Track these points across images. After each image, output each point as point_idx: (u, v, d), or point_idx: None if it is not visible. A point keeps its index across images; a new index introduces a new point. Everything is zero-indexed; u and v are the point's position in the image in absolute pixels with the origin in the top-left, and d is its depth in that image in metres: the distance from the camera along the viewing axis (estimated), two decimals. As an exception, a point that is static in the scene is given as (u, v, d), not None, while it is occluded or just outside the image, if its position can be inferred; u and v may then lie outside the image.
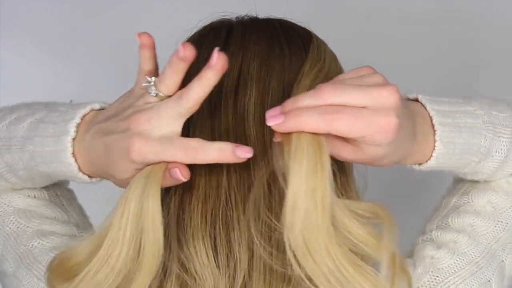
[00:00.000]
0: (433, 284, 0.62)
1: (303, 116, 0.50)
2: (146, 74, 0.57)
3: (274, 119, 0.51)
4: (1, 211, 0.70)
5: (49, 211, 0.70)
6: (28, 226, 0.68)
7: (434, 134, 0.60)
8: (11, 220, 0.69)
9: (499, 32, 1.26)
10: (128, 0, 1.27)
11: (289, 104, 0.51)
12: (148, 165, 0.54)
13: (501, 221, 0.67)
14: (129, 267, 0.52)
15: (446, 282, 0.62)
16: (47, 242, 0.66)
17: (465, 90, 1.23)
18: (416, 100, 0.63)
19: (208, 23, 0.66)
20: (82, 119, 0.60)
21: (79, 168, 0.60)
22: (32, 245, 0.66)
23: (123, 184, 0.58)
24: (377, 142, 0.52)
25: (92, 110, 0.61)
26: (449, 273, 0.63)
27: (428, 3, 1.26)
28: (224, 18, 0.67)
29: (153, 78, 0.55)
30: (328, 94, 0.50)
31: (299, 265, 0.50)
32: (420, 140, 0.59)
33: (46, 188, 0.72)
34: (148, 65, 0.57)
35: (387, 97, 0.51)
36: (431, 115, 0.61)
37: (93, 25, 1.25)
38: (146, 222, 0.52)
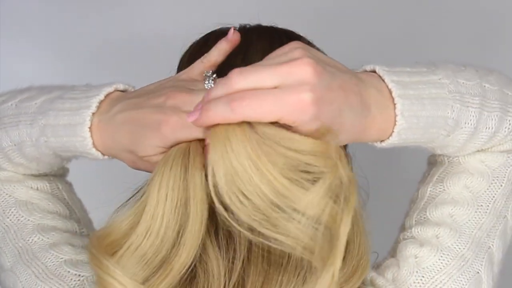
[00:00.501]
0: (420, 285, 0.60)
1: (211, 108, 0.49)
2: (212, 64, 0.60)
3: (192, 116, 0.50)
4: (2, 201, 0.68)
5: (51, 205, 0.69)
6: (29, 220, 0.67)
7: (394, 108, 0.55)
8: (12, 212, 0.67)
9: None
10: (128, 1, 1.26)
11: (205, 97, 0.50)
12: (176, 144, 0.54)
13: (481, 205, 0.63)
14: (172, 239, 0.52)
15: (433, 282, 0.60)
16: (47, 238, 0.65)
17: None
18: (374, 72, 0.57)
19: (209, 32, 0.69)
20: (106, 96, 0.61)
21: (93, 144, 0.60)
22: (32, 240, 0.65)
23: (138, 164, 0.58)
24: (297, 122, 0.49)
25: (116, 90, 0.62)
26: (435, 272, 0.60)
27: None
28: (227, 26, 0.68)
29: (215, 75, 0.57)
30: (235, 80, 0.49)
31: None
32: (374, 114, 0.54)
33: (48, 180, 0.71)
34: (218, 58, 0.60)
35: (297, 73, 0.48)
36: (390, 87, 0.55)
37: (93, 26, 1.25)
38: (193, 191, 0.52)
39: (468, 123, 0.60)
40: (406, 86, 0.56)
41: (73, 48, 1.26)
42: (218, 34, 0.66)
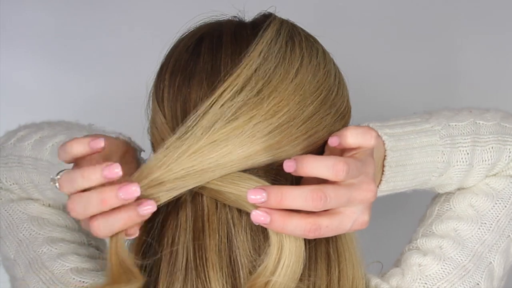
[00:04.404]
0: None
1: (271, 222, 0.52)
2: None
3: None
4: (17, 218, 0.73)
5: (61, 219, 0.73)
6: (39, 233, 0.71)
7: (384, 159, 0.60)
8: (24, 227, 0.72)
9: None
10: (128, 10, 1.26)
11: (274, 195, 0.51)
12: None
13: (485, 223, 0.67)
14: None
15: None
16: (55, 248, 0.68)
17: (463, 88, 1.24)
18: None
19: (197, 27, 0.63)
20: None
21: None
22: (42, 251, 0.69)
23: None
24: None
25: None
26: (438, 279, 0.63)
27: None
28: (213, 22, 0.63)
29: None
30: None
31: None
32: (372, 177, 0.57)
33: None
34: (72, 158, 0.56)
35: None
36: (383, 139, 0.60)
37: (92, 34, 1.24)
38: None
39: (460, 161, 0.65)
40: (399, 138, 0.60)
41: (73, 57, 1.25)
42: (213, 36, 0.60)
